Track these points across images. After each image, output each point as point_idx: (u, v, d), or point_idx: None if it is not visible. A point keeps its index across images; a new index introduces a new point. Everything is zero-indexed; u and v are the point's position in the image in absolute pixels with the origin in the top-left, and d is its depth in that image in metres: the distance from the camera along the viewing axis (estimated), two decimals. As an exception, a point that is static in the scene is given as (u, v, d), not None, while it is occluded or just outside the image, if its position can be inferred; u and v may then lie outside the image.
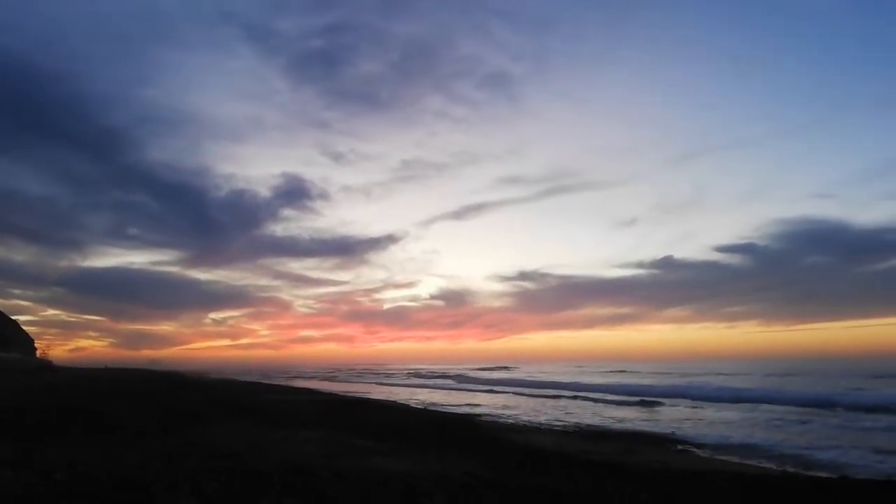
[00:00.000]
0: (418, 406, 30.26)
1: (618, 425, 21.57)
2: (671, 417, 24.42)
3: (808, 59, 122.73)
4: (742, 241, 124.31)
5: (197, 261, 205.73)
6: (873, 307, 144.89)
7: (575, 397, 36.36)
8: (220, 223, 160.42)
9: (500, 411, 27.31)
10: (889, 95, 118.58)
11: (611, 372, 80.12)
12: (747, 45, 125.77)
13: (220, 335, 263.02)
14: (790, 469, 12.86)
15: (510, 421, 22.81)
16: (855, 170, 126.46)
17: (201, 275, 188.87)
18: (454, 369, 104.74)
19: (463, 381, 62.26)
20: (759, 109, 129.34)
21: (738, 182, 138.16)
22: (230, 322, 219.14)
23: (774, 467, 13.12)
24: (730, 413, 25.89)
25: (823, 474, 11.97)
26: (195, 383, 41.99)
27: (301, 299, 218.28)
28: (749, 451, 15.29)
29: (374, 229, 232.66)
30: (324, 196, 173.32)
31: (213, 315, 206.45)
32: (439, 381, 63.65)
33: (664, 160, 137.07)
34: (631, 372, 78.31)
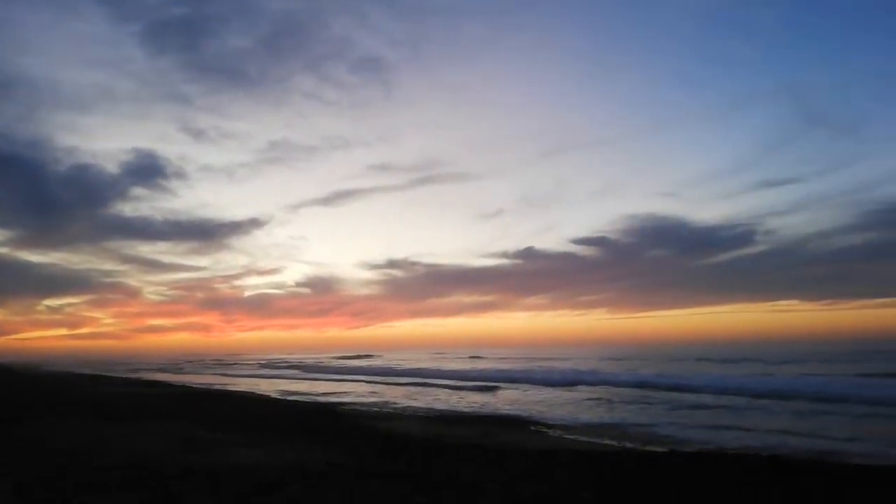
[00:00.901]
0: (277, 396, 29.37)
1: (477, 410, 22.31)
2: (526, 400, 25.70)
3: (660, 67, 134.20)
4: (596, 234, 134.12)
5: (30, 241, 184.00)
6: (707, 297, 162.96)
7: (426, 384, 36.95)
8: (59, 200, 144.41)
9: (361, 399, 27.24)
10: (724, 105, 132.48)
11: (470, 358, 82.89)
12: (610, 50, 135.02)
13: (57, 324, 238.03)
14: (629, 445, 13.99)
15: (373, 409, 22.80)
16: (695, 172, 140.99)
17: (35, 257, 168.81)
18: (312, 358, 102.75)
19: (321, 370, 60.94)
20: (616, 111, 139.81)
21: (594, 179, 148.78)
22: (68, 310, 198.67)
23: (616, 444, 14.20)
24: (575, 395, 27.74)
25: (659, 448, 13.13)
26: (24, 376, 37.77)
27: (152, 285, 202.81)
28: (595, 431, 16.45)
29: (237, 212, 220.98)
30: (180, 175, 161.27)
31: (47, 302, 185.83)
32: (293, 372, 61.46)
33: (530, 155, 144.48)
34: (488, 358, 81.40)
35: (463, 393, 30.56)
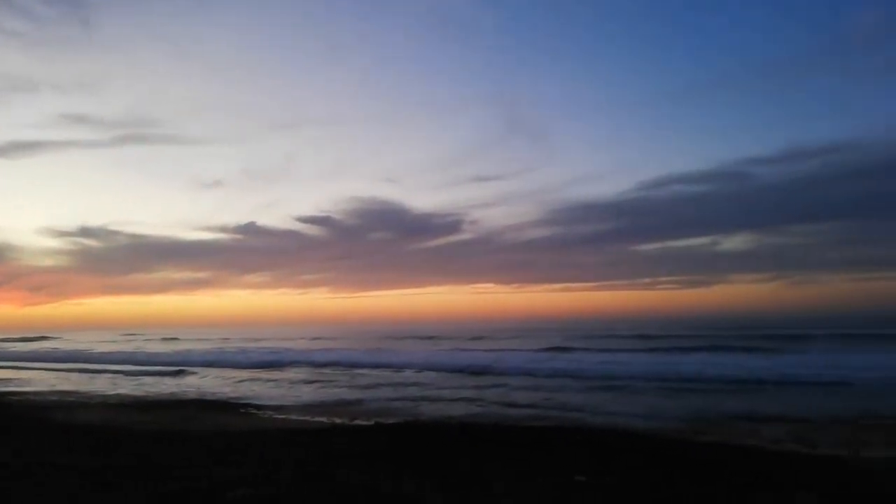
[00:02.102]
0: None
1: (177, 394, 20.86)
2: (230, 383, 24.79)
3: (392, 60, 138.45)
4: (321, 214, 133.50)
5: None
6: (421, 279, 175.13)
7: (101, 371, 33.41)
8: None
9: (29, 388, 23.38)
10: (446, 103, 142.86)
11: (165, 340, 76.15)
12: (349, 35, 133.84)
13: None
14: (338, 420, 14.49)
15: (53, 398, 19.73)
16: (416, 161, 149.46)
17: None
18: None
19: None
20: (348, 94, 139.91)
21: (323, 158, 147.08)
22: None
23: (326, 420, 14.58)
24: (284, 375, 27.66)
25: (365, 422, 13.83)
26: None
27: None
28: (305, 410, 16.66)
29: None
30: None
31: None
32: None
33: (257, 125, 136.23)
34: (187, 339, 75.48)
35: (155, 378, 28.08)
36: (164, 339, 76.47)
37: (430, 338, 62.54)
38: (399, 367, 29.85)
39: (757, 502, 6.47)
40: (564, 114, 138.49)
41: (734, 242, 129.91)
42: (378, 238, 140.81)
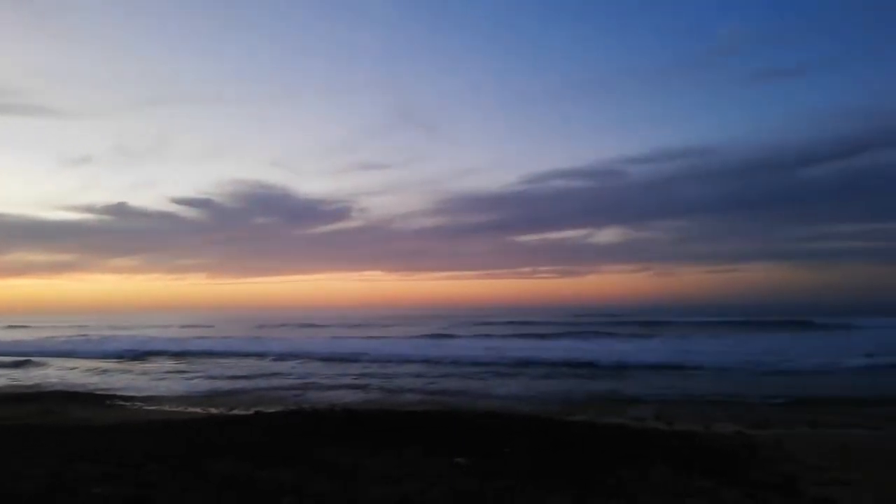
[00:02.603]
0: None
1: (36, 385, 19.12)
2: (97, 373, 23.08)
3: (280, 38, 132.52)
4: (201, 196, 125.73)
5: None
6: (307, 265, 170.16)
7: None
8: None
9: None
10: (336, 87, 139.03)
11: (7, 328, 68.43)
12: (230, 8, 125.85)
13: None
14: (214, 411, 13.92)
15: None
16: (303, 146, 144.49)
17: None
18: None
19: None
20: (231, 71, 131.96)
21: (203, 137, 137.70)
22: None
23: (201, 411, 13.96)
24: (148, 366, 26.14)
25: (244, 412, 13.39)
26: None
27: None
28: (178, 401, 15.86)
29: None
30: None
31: None
32: None
33: (130, 100, 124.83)
34: (34, 327, 68.63)
35: (19, 369, 25.60)
36: (10, 327, 68.80)
37: (311, 325, 61.40)
38: (278, 356, 29.03)
39: (621, 474, 6.97)
40: (454, 106, 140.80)
41: (606, 235, 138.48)
42: (262, 223, 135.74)
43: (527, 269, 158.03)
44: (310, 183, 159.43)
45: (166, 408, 14.53)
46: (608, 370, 21.48)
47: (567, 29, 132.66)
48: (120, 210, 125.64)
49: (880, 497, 6.17)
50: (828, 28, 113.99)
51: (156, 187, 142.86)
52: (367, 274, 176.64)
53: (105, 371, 24.20)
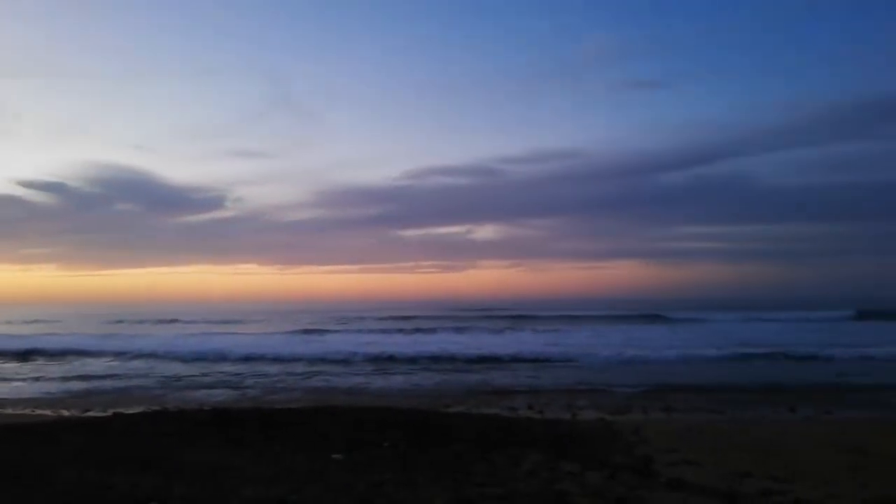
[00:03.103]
0: None
1: None
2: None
3: (145, 13, 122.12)
4: (52, 179, 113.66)
5: None
6: (176, 257, 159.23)
7: None
8: None
9: None
10: (209, 67, 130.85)
11: None
12: None
13: None
14: (66, 413, 12.77)
15: None
16: (170, 128, 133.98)
17: None
18: None
19: None
20: (94, 43, 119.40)
21: (56, 115, 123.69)
22: None
23: (51, 413, 12.76)
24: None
25: (101, 413, 12.39)
26: None
27: None
28: (24, 403, 14.42)
29: None
30: None
31: None
32: None
33: None
34: None
35: None
36: None
37: (174, 321, 57.61)
38: (138, 354, 26.98)
39: (494, 460, 7.19)
40: (337, 96, 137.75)
41: (485, 232, 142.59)
42: (124, 210, 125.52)
43: (409, 264, 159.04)
44: (179, 169, 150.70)
45: (9, 410, 13.12)
46: (484, 363, 22.07)
47: (453, 28, 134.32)
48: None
49: (723, 474, 6.79)
50: (686, 44, 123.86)
51: None
52: (242, 267, 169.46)
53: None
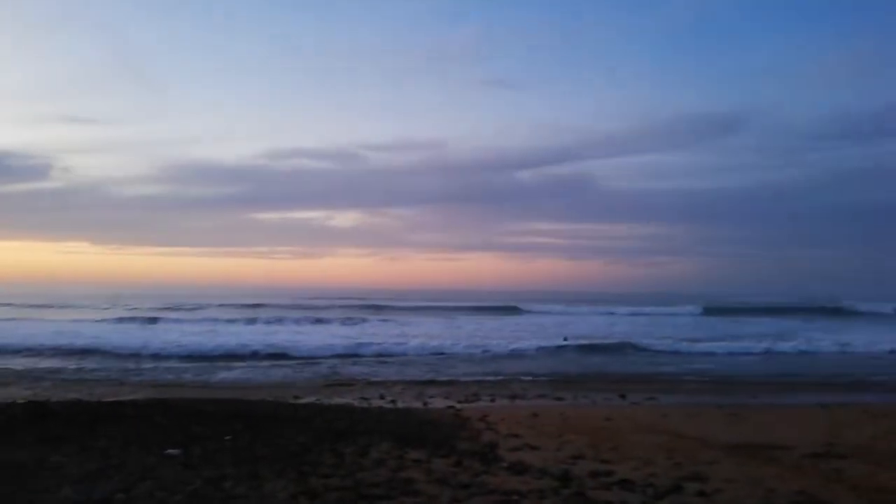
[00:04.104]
0: None
1: None
2: None
3: None
4: None
5: None
6: None
7: None
8: None
9: None
10: (39, 15, 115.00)
11: None
12: None
13: None
14: None
15: None
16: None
17: None
18: None
19: None
20: None
21: None
22: None
23: None
24: None
25: None
26: None
27: None
28: None
29: None
30: None
31: None
32: None
33: None
34: None
35: None
36: None
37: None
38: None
39: (344, 451, 7.09)
40: (185, 64, 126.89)
41: (345, 219, 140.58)
42: None
43: (262, 249, 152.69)
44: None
45: None
46: (338, 355, 21.65)
47: (322, 9, 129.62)
48: None
49: (560, 457, 7.21)
50: (549, 47, 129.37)
51: None
52: (69, 245, 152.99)
53: None
